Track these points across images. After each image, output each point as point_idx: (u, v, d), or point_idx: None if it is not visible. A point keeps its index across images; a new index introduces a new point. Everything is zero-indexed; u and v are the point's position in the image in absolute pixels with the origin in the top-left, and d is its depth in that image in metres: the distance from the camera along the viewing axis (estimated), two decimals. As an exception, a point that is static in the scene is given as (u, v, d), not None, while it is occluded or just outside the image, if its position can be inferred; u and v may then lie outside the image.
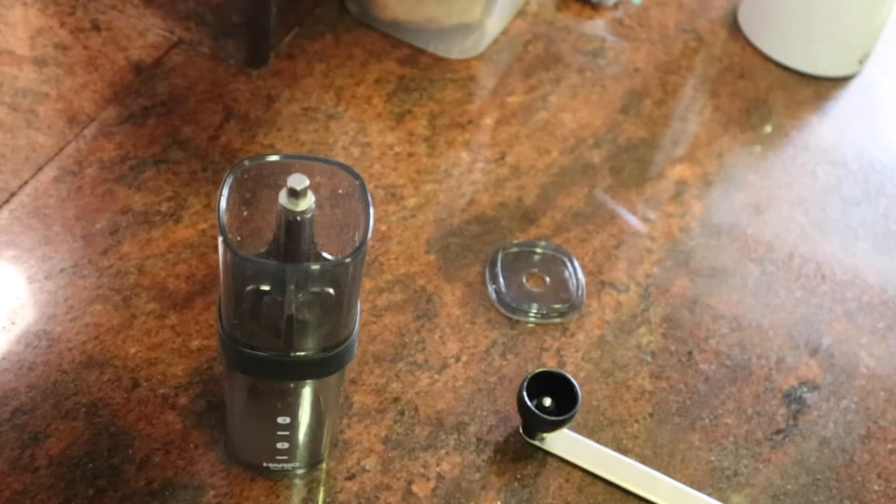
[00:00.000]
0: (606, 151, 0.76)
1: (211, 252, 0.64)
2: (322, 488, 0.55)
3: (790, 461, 0.61)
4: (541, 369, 0.58)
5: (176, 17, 0.76)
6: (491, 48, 0.82)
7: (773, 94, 0.84)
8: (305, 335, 0.46)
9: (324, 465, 0.56)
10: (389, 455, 0.57)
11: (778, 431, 0.62)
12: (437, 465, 0.57)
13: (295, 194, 0.43)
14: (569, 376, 0.57)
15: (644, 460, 0.59)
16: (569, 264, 0.68)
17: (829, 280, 0.71)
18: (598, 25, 0.87)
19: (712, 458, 0.60)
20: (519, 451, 0.58)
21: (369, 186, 0.69)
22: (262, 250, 0.47)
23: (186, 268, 0.63)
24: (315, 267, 0.46)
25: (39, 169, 0.67)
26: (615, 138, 0.78)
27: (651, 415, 0.61)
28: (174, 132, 0.70)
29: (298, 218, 0.44)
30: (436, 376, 0.61)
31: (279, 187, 0.43)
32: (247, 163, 0.45)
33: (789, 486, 0.59)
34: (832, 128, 0.83)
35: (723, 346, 0.65)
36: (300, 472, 0.55)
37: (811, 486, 0.60)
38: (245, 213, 0.47)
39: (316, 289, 0.45)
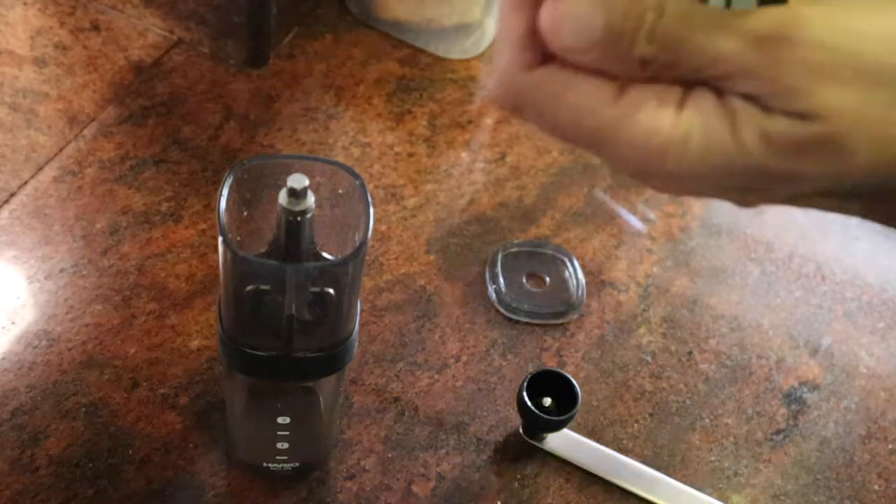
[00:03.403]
0: (606, 151, 0.76)
1: (211, 252, 0.64)
2: (322, 488, 0.55)
3: (790, 461, 0.61)
4: (541, 369, 0.58)
5: (176, 17, 0.76)
6: (491, 48, 0.82)
7: (773, 94, 0.84)
8: (305, 335, 0.46)
9: (324, 465, 0.56)
10: (389, 455, 0.57)
11: (778, 431, 0.62)
12: (437, 465, 0.57)
13: (295, 194, 0.43)
14: (569, 376, 0.57)
15: (644, 460, 0.59)
16: (569, 264, 0.68)
17: (829, 280, 0.71)
18: (598, 25, 0.87)
19: (712, 459, 0.60)
20: (519, 451, 0.58)
21: (369, 186, 0.69)
22: (262, 250, 0.47)
23: (186, 268, 0.63)
24: (315, 267, 0.46)
25: (39, 169, 0.67)
26: (615, 138, 0.77)
27: (651, 415, 0.61)
28: (174, 132, 0.70)
29: (298, 218, 0.44)
30: (436, 376, 0.61)
31: (279, 187, 0.43)
32: (247, 163, 0.45)
33: (789, 487, 0.59)
34: (832, 128, 0.83)
35: (723, 346, 0.65)
36: (300, 472, 0.55)
37: (811, 486, 0.60)
38: (245, 213, 0.46)
39: (316, 289, 0.45)
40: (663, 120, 0.27)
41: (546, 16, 0.28)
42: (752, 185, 0.28)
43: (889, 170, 0.27)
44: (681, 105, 0.27)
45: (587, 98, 0.28)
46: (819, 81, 0.25)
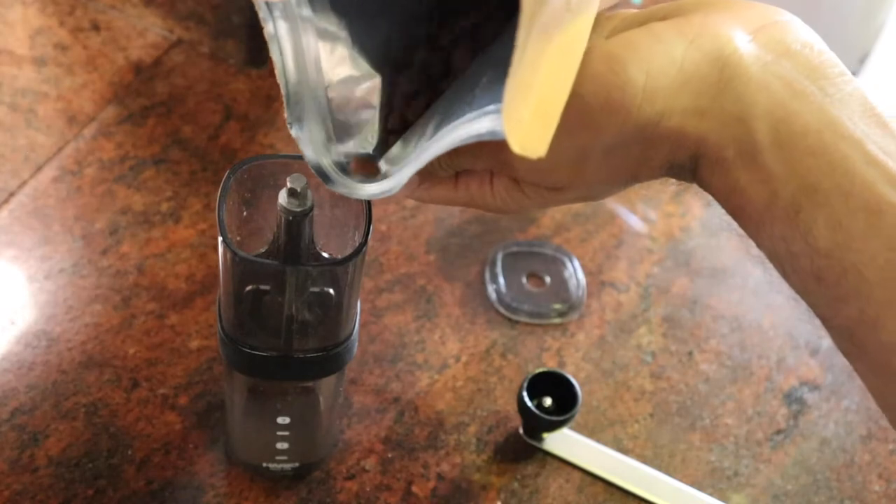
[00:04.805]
0: (606, 151, 0.76)
1: (211, 252, 0.64)
2: (322, 488, 0.55)
3: (791, 461, 0.61)
4: (541, 369, 0.58)
5: (176, 16, 0.76)
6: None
7: (773, 93, 0.84)
8: (305, 335, 0.46)
9: (324, 465, 0.56)
10: (389, 455, 0.57)
11: (778, 432, 0.62)
12: (437, 465, 0.57)
13: (295, 194, 0.43)
14: (569, 376, 0.57)
15: (644, 460, 0.59)
16: (569, 264, 0.68)
17: (829, 280, 0.71)
18: (598, 25, 0.87)
19: (713, 459, 0.60)
20: (519, 451, 0.58)
21: (369, 186, 0.69)
22: (262, 250, 0.47)
23: (186, 268, 0.63)
24: (315, 267, 0.46)
25: (39, 169, 0.67)
26: (615, 138, 0.77)
27: (651, 415, 0.61)
28: (174, 132, 0.70)
29: (298, 218, 0.44)
30: (436, 376, 0.61)
31: (279, 187, 0.43)
32: (247, 163, 0.45)
33: (790, 487, 0.59)
34: (832, 128, 0.83)
35: (723, 346, 0.65)
36: (300, 472, 0.55)
37: (812, 486, 0.60)
38: (245, 213, 0.46)
39: (316, 289, 0.45)
40: (487, 197, 0.43)
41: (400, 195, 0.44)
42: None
43: (622, 186, 0.41)
44: (492, 183, 0.42)
45: (442, 194, 0.44)
46: (546, 175, 0.40)
